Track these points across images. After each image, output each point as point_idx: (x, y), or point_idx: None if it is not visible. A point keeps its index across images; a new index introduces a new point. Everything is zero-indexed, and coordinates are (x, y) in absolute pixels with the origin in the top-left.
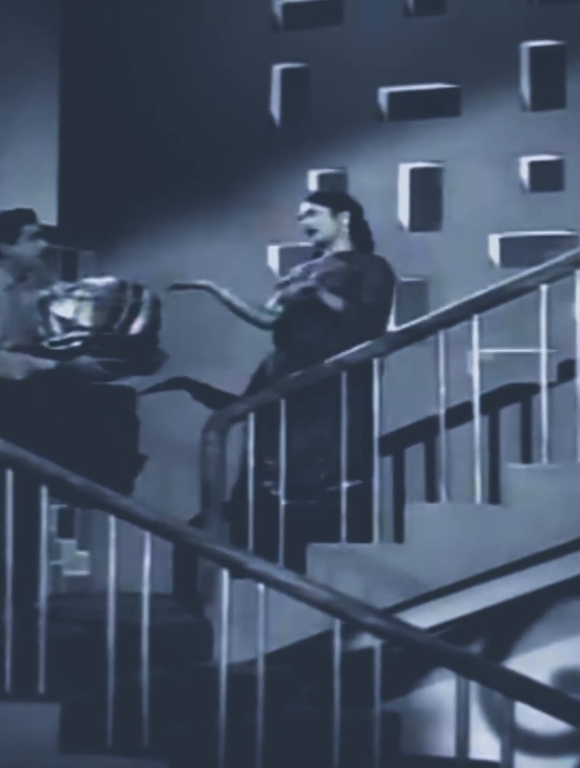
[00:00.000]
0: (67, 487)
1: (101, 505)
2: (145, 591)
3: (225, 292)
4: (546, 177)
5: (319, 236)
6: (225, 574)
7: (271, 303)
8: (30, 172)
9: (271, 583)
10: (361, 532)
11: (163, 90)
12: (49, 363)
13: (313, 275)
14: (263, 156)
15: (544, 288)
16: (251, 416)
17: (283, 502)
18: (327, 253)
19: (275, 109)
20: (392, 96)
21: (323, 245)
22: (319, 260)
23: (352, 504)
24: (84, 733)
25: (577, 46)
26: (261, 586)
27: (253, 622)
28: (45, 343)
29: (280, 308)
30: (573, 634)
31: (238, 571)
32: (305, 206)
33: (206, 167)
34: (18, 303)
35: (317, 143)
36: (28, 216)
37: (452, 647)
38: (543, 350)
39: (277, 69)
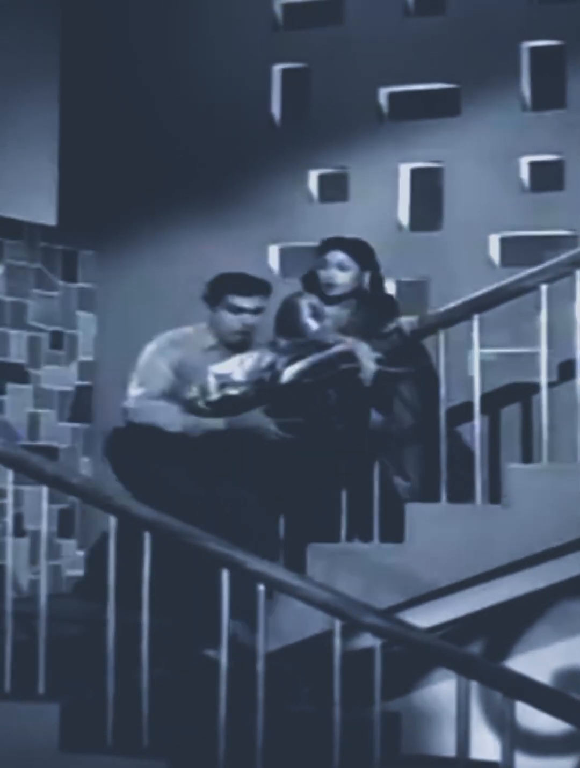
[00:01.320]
0: (68, 486)
1: (101, 505)
2: (145, 591)
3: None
4: (546, 177)
5: (337, 292)
6: (225, 575)
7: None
8: (31, 172)
9: (271, 583)
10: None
11: (163, 90)
12: (219, 423)
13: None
14: (264, 156)
15: (544, 288)
16: None
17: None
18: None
19: (276, 109)
20: (392, 96)
21: (331, 301)
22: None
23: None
24: (84, 732)
25: (577, 45)
26: (261, 586)
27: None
28: (200, 403)
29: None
30: (574, 634)
31: (239, 571)
32: (338, 256)
33: (207, 167)
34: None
35: (318, 143)
36: (240, 285)
37: (452, 647)
38: (543, 350)
39: (277, 69)
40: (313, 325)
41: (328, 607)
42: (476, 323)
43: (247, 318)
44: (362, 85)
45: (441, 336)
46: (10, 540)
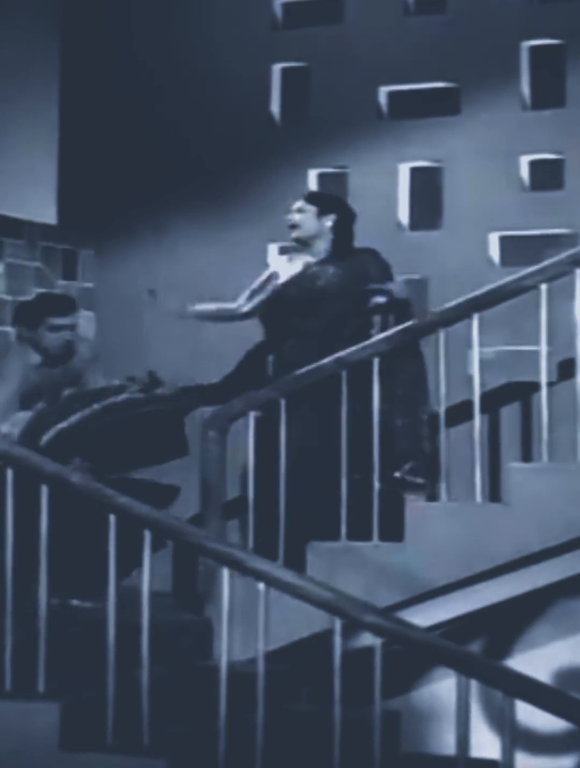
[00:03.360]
0: (67, 485)
1: (101, 504)
2: (145, 589)
3: (196, 308)
4: (546, 176)
5: (297, 233)
6: (225, 573)
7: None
8: (30, 171)
9: (271, 582)
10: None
11: (163, 89)
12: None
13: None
14: (264, 155)
15: (544, 287)
16: (251, 415)
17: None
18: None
19: (275, 108)
20: (392, 95)
21: (300, 243)
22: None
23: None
24: (84, 731)
25: (577, 44)
26: (261, 585)
27: (253, 620)
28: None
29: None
30: (573, 632)
31: (238, 570)
32: (297, 203)
33: (206, 166)
34: (50, 379)
35: (317, 142)
36: (57, 306)
37: (451, 645)
38: (543, 349)
39: (277, 68)
40: None
41: (328, 605)
42: (475, 322)
43: (67, 334)
44: (361, 84)
45: (441, 335)
46: (9, 539)
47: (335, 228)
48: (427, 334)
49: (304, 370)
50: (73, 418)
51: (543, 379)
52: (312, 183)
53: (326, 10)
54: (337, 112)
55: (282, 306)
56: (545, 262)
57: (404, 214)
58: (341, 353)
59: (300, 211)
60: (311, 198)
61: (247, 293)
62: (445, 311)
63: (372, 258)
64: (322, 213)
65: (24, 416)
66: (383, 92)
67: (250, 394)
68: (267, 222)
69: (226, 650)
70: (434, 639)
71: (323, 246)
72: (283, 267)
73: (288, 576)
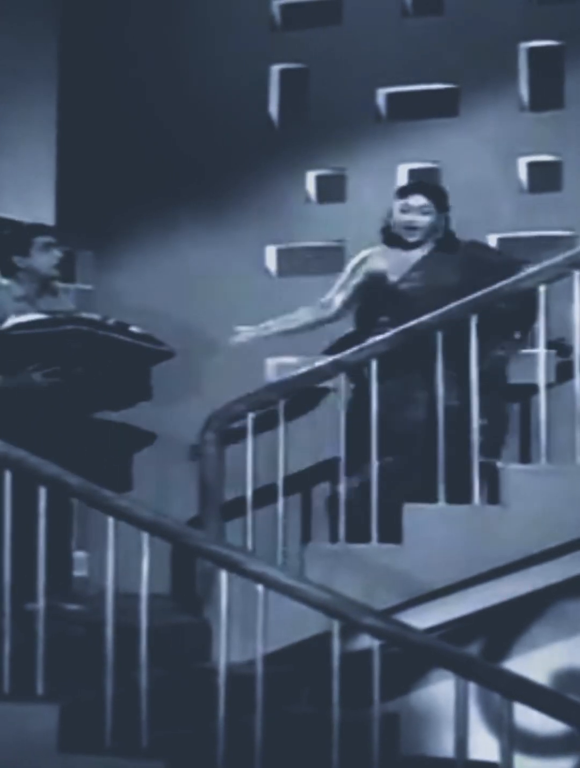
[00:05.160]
0: (66, 487)
1: (99, 506)
2: (144, 592)
3: (275, 328)
4: (545, 177)
5: (417, 236)
6: (224, 575)
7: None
8: (28, 172)
9: (270, 584)
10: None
11: (161, 90)
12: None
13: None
14: (262, 157)
15: (542, 288)
16: (250, 416)
17: None
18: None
19: (274, 110)
20: (390, 96)
21: (413, 246)
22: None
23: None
24: (83, 733)
25: (575, 46)
26: (260, 587)
27: (252, 622)
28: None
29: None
30: (572, 634)
31: (237, 573)
32: (419, 200)
33: (205, 167)
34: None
35: (316, 144)
36: (39, 228)
37: (450, 648)
38: (542, 351)
39: (275, 69)
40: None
41: (327, 608)
42: (473, 323)
43: (56, 251)
44: (360, 86)
45: (439, 337)
46: (7, 541)
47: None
48: (427, 335)
49: (302, 371)
50: (36, 316)
51: (541, 381)
52: (310, 184)
53: (324, 12)
54: (335, 114)
55: (393, 301)
56: (544, 264)
57: None
58: (339, 356)
59: (425, 212)
60: (431, 194)
61: (335, 293)
62: (443, 312)
63: (484, 249)
64: (440, 209)
65: None
66: (381, 94)
67: (248, 396)
68: (266, 224)
69: (224, 652)
70: (432, 641)
71: (432, 240)
72: (377, 262)
73: (287, 578)
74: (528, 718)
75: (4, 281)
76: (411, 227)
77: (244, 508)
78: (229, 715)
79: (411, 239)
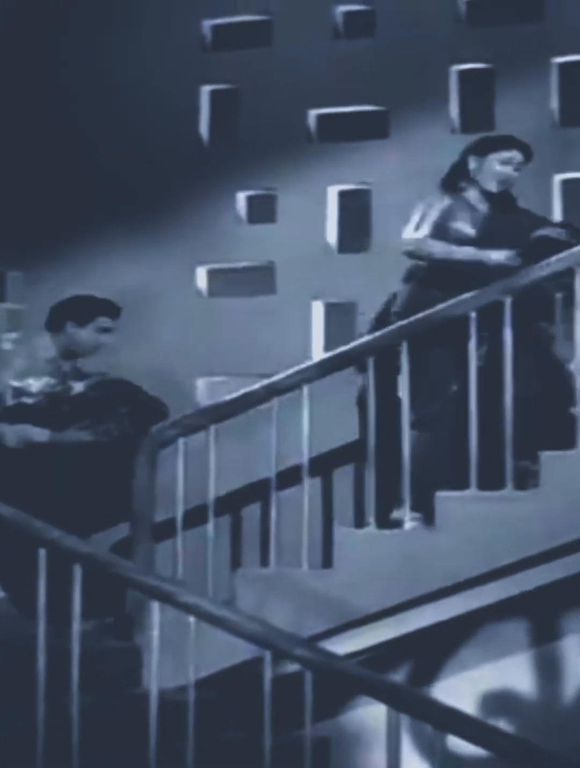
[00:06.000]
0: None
1: (31, 537)
2: (76, 625)
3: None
4: None
5: (505, 188)
6: (156, 606)
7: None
8: None
9: (201, 615)
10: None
11: (92, 109)
12: (44, 434)
13: None
14: (193, 176)
15: (473, 315)
16: (181, 441)
17: None
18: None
19: (204, 130)
20: (320, 117)
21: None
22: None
23: None
24: (13, 762)
25: (505, 69)
26: (192, 618)
27: (182, 648)
28: None
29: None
30: (501, 656)
31: (169, 604)
32: (518, 157)
33: (136, 187)
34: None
35: (246, 164)
36: (109, 308)
37: (382, 679)
38: (472, 375)
39: (206, 90)
40: None
41: (258, 639)
42: (405, 349)
43: (108, 337)
44: (290, 107)
45: (370, 362)
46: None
47: None
48: (359, 360)
49: (234, 396)
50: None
51: (472, 408)
52: (240, 204)
53: (255, 33)
54: (266, 135)
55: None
56: (476, 291)
57: (332, 237)
58: (271, 380)
59: (517, 168)
60: (525, 150)
61: (420, 225)
62: (377, 338)
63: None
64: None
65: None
66: (311, 115)
67: (179, 420)
68: (196, 244)
69: (155, 681)
70: (365, 673)
71: None
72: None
73: (218, 610)
74: (461, 741)
75: (44, 334)
76: (507, 181)
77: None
78: (161, 741)
79: (497, 190)
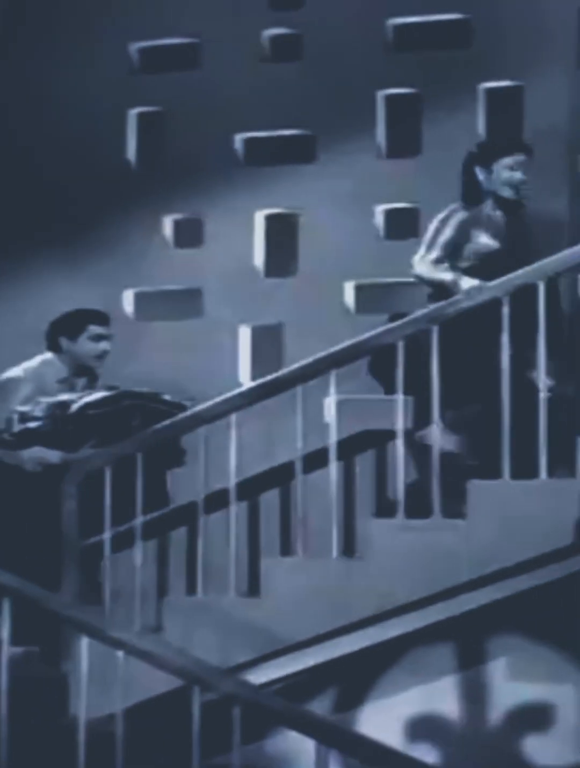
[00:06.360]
0: None
1: None
2: (4, 658)
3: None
4: (401, 224)
5: (519, 195)
6: (84, 641)
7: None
8: None
9: (129, 650)
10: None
11: (20, 133)
12: (56, 455)
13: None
14: (120, 200)
15: (400, 344)
16: (107, 470)
17: None
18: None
19: (132, 153)
20: (248, 141)
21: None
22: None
23: None
24: None
25: (432, 94)
26: (120, 653)
27: (111, 676)
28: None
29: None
30: (427, 680)
31: (97, 639)
32: (521, 158)
33: (65, 209)
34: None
35: (173, 188)
36: (96, 317)
37: (311, 714)
38: (400, 403)
39: (133, 113)
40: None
41: (186, 674)
42: (333, 378)
43: (105, 344)
44: (218, 130)
45: (299, 390)
46: None
47: None
48: (286, 389)
49: (166, 423)
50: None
51: (400, 440)
52: (167, 228)
53: (183, 56)
54: (193, 158)
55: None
56: (403, 320)
57: (259, 261)
58: (197, 409)
59: (525, 171)
60: (528, 152)
61: (432, 245)
62: (304, 367)
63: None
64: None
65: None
66: (238, 139)
67: (106, 450)
68: (123, 267)
69: (83, 713)
70: (292, 708)
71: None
72: (467, 220)
73: (147, 645)
74: None
75: (50, 356)
76: (520, 185)
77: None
78: None
79: (516, 197)
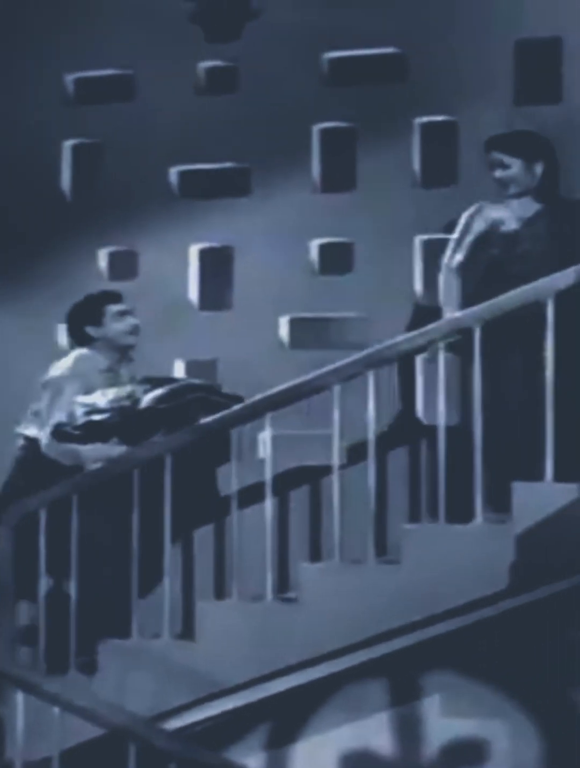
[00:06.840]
0: None
1: None
2: None
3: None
4: (335, 259)
5: (513, 190)
6: (20, 695)
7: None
8: None
9: (64, 706)
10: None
11: None
12: (119, 452)
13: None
14: (54, 232)
15: (337, 388)
16: (43, 512)
17: None
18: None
19: (66, 185)
20: (182, 174)
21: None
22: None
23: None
24: None
25: (368, 128)
26: (55, 709)
27: (48, 719)
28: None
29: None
30: (360, 717)
31: (33, 694)
32: (495, 156)
33: None
34: (118, 383)
35: (108, 221)
36: (110, 296)
37: None
38: (336, 442)
39: (68, 144)
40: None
41: (121, 731)
42: (268, 421)
43: (131, 318)
44: (152, 163)
45: (234, 434)
46: None
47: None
48: (222, 430)
49: (96, 467)
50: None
51: (336, 486)
52: (102, 261)
53: (118, 87)
54: (128, 190)
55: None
56: (339, 363)
57: (194, 294)
58: (134, 449)
59: (504, 166)
60: (505, 148)
61: (459, 244)
62: (241, 409)
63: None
64: (530, 163)
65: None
66: (173, 171)
67: (42, 493)
68: (57, 300)
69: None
70: (231, 765)
71: (531, 197)
72: (493, 211)
73: (81, 701)
74: None
75: (85, 351)
76: (503, 182)
77: None
78: None
79: (507, 193)
